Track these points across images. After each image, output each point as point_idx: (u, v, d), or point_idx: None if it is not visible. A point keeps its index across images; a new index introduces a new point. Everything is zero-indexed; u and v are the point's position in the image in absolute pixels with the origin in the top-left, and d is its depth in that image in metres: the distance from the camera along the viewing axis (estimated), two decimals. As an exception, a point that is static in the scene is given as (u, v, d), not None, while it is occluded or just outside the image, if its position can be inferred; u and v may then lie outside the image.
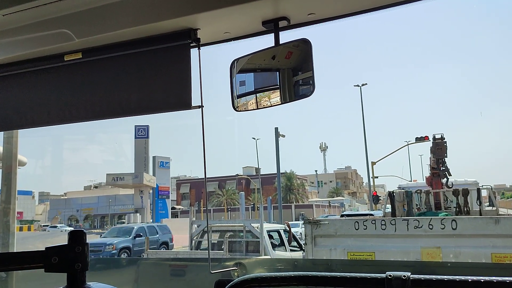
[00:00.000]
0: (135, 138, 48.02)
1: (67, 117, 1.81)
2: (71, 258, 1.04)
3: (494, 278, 0.93)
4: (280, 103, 1.62)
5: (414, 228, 6.88)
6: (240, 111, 1.68)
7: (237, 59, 1.67)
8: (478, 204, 9.14)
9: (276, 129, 29.51)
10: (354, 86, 39.26)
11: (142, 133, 47.89)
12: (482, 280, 0.94)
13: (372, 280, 1.01)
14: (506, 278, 0.93)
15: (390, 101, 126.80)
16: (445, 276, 0.97)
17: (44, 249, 1.05)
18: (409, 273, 0.98)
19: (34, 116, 1.88)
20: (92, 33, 1.64)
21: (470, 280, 0.94)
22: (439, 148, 10.44)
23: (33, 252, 1.06)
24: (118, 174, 46.45)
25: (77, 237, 1.06)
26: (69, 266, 1.04)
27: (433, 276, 0.97)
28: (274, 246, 10.71)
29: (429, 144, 11.27)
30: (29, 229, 47.85)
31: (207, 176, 1.73)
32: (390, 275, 0.99)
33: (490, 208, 9.69)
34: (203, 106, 1.58)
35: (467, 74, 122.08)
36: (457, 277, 0.96)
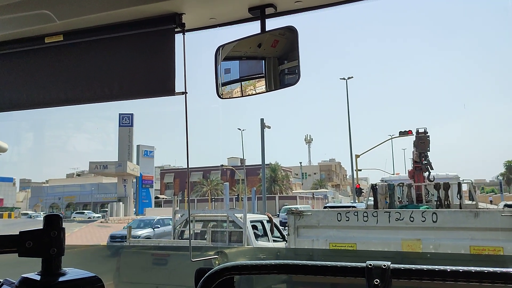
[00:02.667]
0: (119, 126, 47.47)
1: (47, 101, 1.76)
2: (46, 242, 1.02)
3: (472, 268, 0.94)
4: (265, 91, 1.61)
5: (395, 220, 6.97)
6: (224, 98, 1.66)
7: (223, 45, 1.65)
8: (459, 198, 9.31)
9: (262, 120, 29.49)
10: (340, 79, 39.49)
11: (126, 122, 47.33)
12: (461, 270, 0.94)
13: (352, 269, 1.02)
14: (484, 268, 0.94)
15: (375, 95, 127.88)
16: (425, 266, 0.97)
17: (18, 233, 1.03)
18: (389, 263, 0.99)
19: (13, 99, 1.83)
20: (74, 15, 1.59)
21: (449, 270, 0.95)
22: (422, 142, 10.58)
23: (7, 236, 1.03)
24: (101, 162, 45.99)
25: (52, 221, 1.04)
26: (44, 251, 1.02)
27: (413, 266, 0.98)
28: (257, 236, 10.75)
29: (412, 138, 11.42)
30: (9, 216, 47.19)
31: (191, 166, 1.71)
32: (370, 265, 0.99)
33: (470, 202, 9.88)
34: (186, 93, 1.56)
35: (452, 67, 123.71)
36: (436, 267, 0.96)
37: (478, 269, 0.94)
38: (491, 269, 0.93)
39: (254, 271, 1.10)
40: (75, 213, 50.77)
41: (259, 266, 1.09)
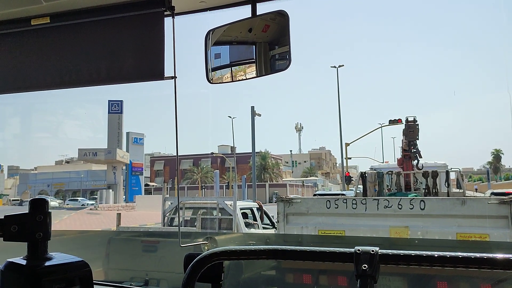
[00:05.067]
0: (108, 113, 47.03)
1: (33, 85, 1.73)
2: (31, 227, 1.01)
3: (459, 253, 0.95)
4: (255, 76, 1.60)
5: (384, 207, 7.03)
6: (214, 83, 1.64)
7: (213, 30, 1.63)
8: (447, 186, 9.41)
9: (252, 108, 29.35)
10: (331, 67, 39.37)
11: (115, 108, 46.90)
12: (448, 256, 0.95)
13: (341, 254, 1.02)
14: (471, 254, 0.94)
15: (366, 83, 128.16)
16: (413, 252, 0.98)
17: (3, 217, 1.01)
18: (377, 248, 0.99)
19: None
20: None
21: (436, 255, 0.96)
22: (411, 130, 10.64)
23: None
24: (91, 149, 45.68)
25: (38, 205, 1.02)
26: (29, 235, 1.01)
27: (401, 252, 0.98)
28: (247, 224, 10.80)
29: (402, 127, 11.47)
30: (-4, 203, 46.85)
31: (181, 154, 1.70)
32: (358, 250, 0.99)
33: (457, 190, 10.00)
34: (176, 77, 1.54)
35: (442, 56, 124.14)
36: (424, 252, 0.97)
37: (465, 254, 0.94)
38: (477, 255, 0.93)
39: (243, 256, 1.10)
40: (69, 200, 50.43)
41: (249, 251, 1.08)
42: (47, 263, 1.00)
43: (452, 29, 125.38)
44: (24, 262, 1.00)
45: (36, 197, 1.12)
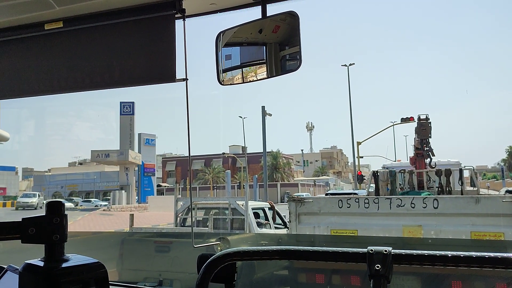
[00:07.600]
0: (120, 114, 47.41)
1: (47, 88, 1.76)
2: (48, 229, 1.02)
3: (473, 253, 0.94)
4: (266, 77, 1.60)
5: (396, 206, 6.98)
6: (225, 85, 1.65)
7: (223, 32, 1.64)
8: (460, 184, 9.30)
9: (263, 107, 29.42)
10: (342, 65, 39.19)
11: (127, 110, 47.24)
12: (461, 255, 0.94)
13: (354, 254, 1.02)
14: (485, 254, 0.94)
15: (377, 81, 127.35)
16: (426, 251, 0.97)
17: (20, 219, 1.03)
18: (390, 248, 0.99)
19: (13, 87, 1.83)
20: (73, 1, 1.58)
21: (450, 255, 0.95)
22: (423, 128, 10.53)
23: (9, 222, 1.04)
24: (103, 151, 46.08)
25: (55, 208, 1.04)
26: (46, 237, 1.02)
27: (414, 251, 0.98)
28: (259, 224, 10.81)
29: (414, 125, 11.37)
30: (12, 205, 47.43)
31: (193, 154, 1.71)
32: (371, 250, 0.99)
33: (471, 188, 9.88)
34: (187, 79, 1.55)
35: (454, 53, 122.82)
36: (437, 252, 0.97)
37: (479, 254, 0.94)
38: (491, 254, 0.93)
39: (256, 257, 1.10)
40: (82, 201, 50.97)
41: (261, 252, 1.09)
42: (64, 265, 1.02)
43: (465, 25, 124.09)
44: (41, 264, 1.02)
45: (53, 199, 1.14)
